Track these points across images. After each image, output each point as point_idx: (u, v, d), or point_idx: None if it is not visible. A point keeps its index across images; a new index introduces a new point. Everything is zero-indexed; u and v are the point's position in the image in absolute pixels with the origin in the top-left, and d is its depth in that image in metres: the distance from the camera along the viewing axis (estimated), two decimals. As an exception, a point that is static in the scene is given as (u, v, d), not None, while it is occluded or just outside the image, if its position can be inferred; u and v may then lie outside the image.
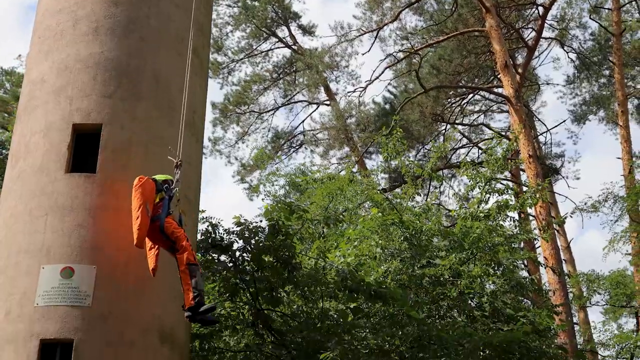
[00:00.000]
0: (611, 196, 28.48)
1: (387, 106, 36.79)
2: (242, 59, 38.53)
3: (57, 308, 9.13)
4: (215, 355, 13.30)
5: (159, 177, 9.43)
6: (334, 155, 38.43)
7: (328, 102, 38.08)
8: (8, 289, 9.38)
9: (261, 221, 13.83)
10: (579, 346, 24.93)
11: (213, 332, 13.20)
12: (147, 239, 9.08)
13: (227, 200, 70.34)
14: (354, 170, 25.45)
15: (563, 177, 35.46)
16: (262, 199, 29.21)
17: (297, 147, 39.17)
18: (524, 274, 24.21)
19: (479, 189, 19.08)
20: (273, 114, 39.08)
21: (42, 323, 9.05)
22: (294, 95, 39.53)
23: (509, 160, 21.90)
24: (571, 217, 27.97)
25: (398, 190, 30.28)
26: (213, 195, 72.54)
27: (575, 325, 25.70)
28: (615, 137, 35.26)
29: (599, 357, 30.04)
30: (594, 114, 37.98)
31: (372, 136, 34.27)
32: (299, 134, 39.43)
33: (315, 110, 39.77)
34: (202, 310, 8.81)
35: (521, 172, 31.96)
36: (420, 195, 28.36)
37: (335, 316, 13.53)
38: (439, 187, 33.05)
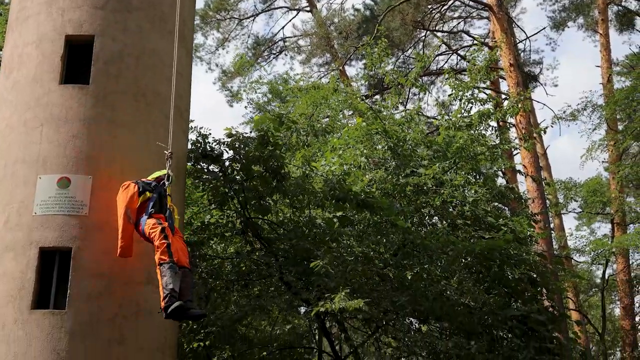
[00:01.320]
0: (590, 105, 28.82)
1: (368, 13, 36.43)
2: (221, -36, 37.76)
3: (54, 217, 9.32)
4: (204, 262, 13.60)
5: (153, 175, 9.35)
6: (315, 63, 38.23)
7: (309, 9, 37.61)
8: (6, 198, 9.53)
9: (250, 132, 13.95)
10: (555, 252, 25.62)
11: (202, 239, 13.47)
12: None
13: (204, 104, 70.08)
14: (337, 78, 25.36)
15: (541, 85, 35.60)
16: (245, 107, 29.14)
17: (277, 54, 38.86)
18: (503, 182, 24.60)
19: (461, 98, 19.16)
20: (253, 20, 38.57)
21: (40, 232, 9.26)
22: (274, 1, 38.97)
23: (491, 70, 21.94)
24: (552, 127, 28.31)
25: (379, 97, 30.40)
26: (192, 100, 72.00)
27: (551, 232, 26.33)
28: (595, 44, 35.38)
29: (573, 261, 30.99)
30: (573, 21, 37.83)
31: (353, 44, 34.05)
32: (279, 40, 39.08)
33: (295, 17, 39.31)
34: (170, 312, 8.28)
35: (501, 81, 32.09)
36: (403, 104, 28.43)
37: (323, 225, 13.82)
38: (419, 94, 33.08)
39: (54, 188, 9.40)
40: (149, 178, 9.34)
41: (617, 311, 33.01)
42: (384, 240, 14.33)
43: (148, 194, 9.04)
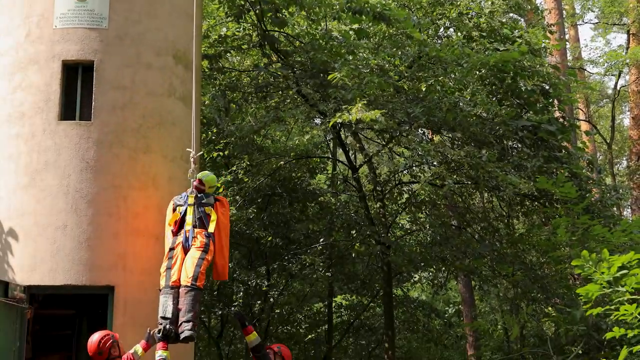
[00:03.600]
0: None
1: None
2: None
3: (75, 30, 9.46)
4: (222, 75, 13.79)
5: (190, 198, 8.64)
6: None
7: None
8: (25, 10, 9.63)
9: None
10: (568, 64, 25.53)
11: (220, 52, 13.57)
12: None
13: None
14: None
15: None
16: None
17: None
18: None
19: None
20: None
21: (62, 45, 9.43)
22: None
23: None
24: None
25: None
26: None
27: (565, 44, 26.08)
28: None
29: (586, 73, 30.92)
30: None
31: None
32: None
33: None
34: (159, 338, 7.91)
35: None
36: None
37: (339, 37, 13.84)
38: None
39: (72, 1, 9.47)
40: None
41: (627, 121, 33.28)
42: (400, 52, 14.39)
43: (179, 209, 8.56)
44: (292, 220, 16.44)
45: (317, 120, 16.41)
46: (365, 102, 11.12)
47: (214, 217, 8.44)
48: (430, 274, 19.60)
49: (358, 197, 16.81)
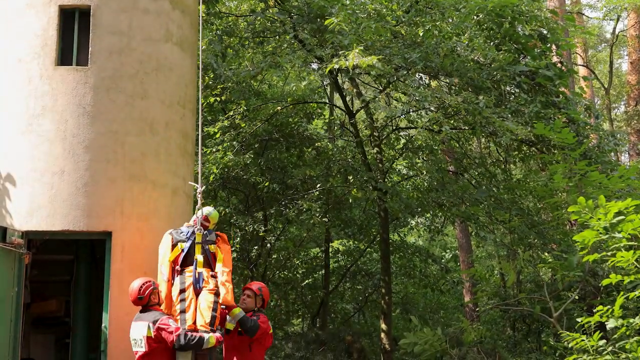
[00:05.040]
0: None
1: None
2: None
3: (69, -27, 9.34)
4: (219, 20, 13.66)
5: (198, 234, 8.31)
6: None
7: None
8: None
9: None
10: (567, 9, 25.32)
11: (216, -5, 13.41)
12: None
13: None
14: None
15: None
16: None
17: None
18: None
19: None
20: None
21: (57, -11, 9.32)
22: None
23: None
24: None
25: None
26: None
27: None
28: None
29: (584, 17, 30.67)
30: None
31: None
32: None
33: None
34: None
35: None
36: None
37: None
38: None
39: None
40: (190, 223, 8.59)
41: (625, 66, 33.16)
42: (397, -5, 14.23)
43: (181, 245, 8.25)
44: (289, 166, 16.48)
45: (314, 66, 16.34)
46: (362, 47, 11.05)
47: (219, 256, 8.24)
48: (427, 219, 19.72)
49: (355, 143, 16.82)
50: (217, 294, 7.95)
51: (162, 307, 7.98)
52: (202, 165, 14.24)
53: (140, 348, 7.72)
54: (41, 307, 10.52)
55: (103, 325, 8.76)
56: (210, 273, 8.10)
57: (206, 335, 7.63)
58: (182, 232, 8.33)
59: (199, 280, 7.99)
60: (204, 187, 8.71)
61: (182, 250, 8.16)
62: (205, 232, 8.32)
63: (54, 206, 8.83)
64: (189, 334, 7.60)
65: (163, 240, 8.35)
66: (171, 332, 7.60)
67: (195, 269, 8.05)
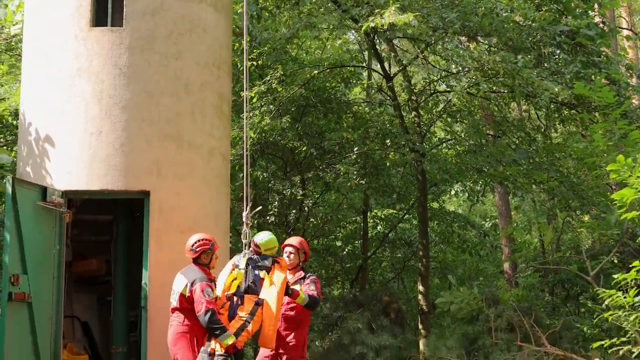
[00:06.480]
0: None
1: None
2: None
3: None
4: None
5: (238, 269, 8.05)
6: None
7: None
8: None
9: None
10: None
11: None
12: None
13: None
14: None
15: None
16: None
17: None
18: None
19: None
20: None
21: (91, -50, 9.36)
22: None
23: None
24: None
25: None
26: None
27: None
28: None
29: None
30: None
31: None
32: None
33: None
34: None
35: None
36: None
37: None
38: None
39: None
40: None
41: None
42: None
43: (237, 273, 7.99)
44: (327, 131, 16.44)
45: (351, 33, 16.17)
46: (398, 5, 10.92)
47: (268, 283, 7.94)
48: (467, 187, 19.56)
49: (392, 107, 16.70)
50: (248, 320, 7.75)
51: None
52: (240, 129, 14.28)
53: (174, 301, 7.82)
54: (82, 267, 10.69)
55: (143, 282, 8.88)
56: (254, 300, 7.83)
57: (228, 332, 7.55)
58: (241, 256, 8.09)
59: (234, 307, 7.84)
60: (249, 205, 8.51)
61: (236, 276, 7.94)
62: (257, 257, 8.01)
63: (92, 166, 8.95)
64: (215, 318, 7.54)
65: (226, 268, 8.19)
66: (202, 304, 7.58)
67: (234, 293, 7.88)
